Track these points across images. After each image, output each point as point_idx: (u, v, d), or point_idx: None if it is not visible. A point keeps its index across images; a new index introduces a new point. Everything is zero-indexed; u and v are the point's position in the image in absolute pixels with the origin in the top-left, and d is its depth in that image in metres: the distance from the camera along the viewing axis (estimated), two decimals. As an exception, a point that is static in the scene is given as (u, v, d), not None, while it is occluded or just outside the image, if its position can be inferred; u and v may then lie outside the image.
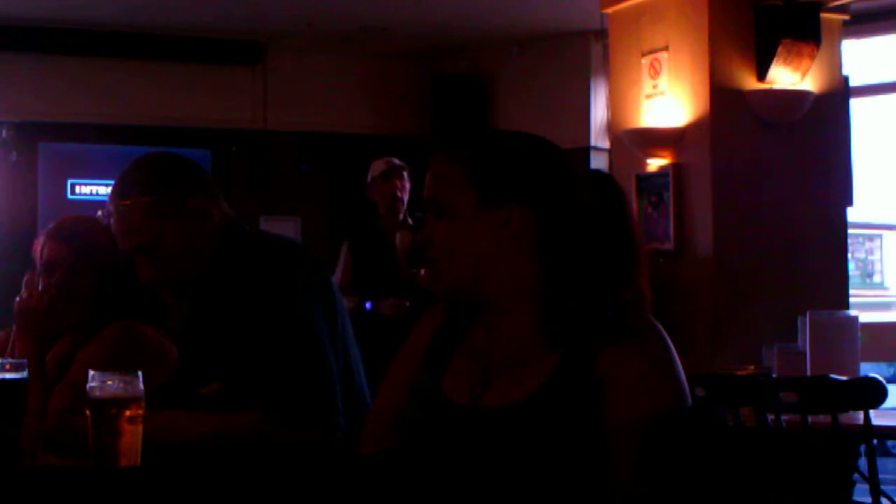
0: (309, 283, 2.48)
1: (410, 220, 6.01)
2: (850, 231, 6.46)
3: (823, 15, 6.02)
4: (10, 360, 2.18)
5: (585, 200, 1.92)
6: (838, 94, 6.23)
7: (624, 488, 1.77)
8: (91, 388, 1.99)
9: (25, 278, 3.80)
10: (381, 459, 1.96)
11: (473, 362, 1.92)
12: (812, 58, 5.94)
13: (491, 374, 1.89)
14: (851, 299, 6.36)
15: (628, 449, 1.77)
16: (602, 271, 1.89)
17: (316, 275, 2.53)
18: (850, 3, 6.17)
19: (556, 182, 1.92)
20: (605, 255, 1.91)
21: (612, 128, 6.73)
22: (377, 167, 6.05)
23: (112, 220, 2.55)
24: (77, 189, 8.17)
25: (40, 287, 2.75)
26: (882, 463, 4.47)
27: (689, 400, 1.83)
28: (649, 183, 6.09)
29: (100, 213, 2.61)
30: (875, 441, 3.96)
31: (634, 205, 5.97)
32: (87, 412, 1.99)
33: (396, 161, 6.05)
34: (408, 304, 5.77)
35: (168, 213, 2.50)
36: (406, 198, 5.99)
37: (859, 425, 3.90)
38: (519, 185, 1.90)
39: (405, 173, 6.00)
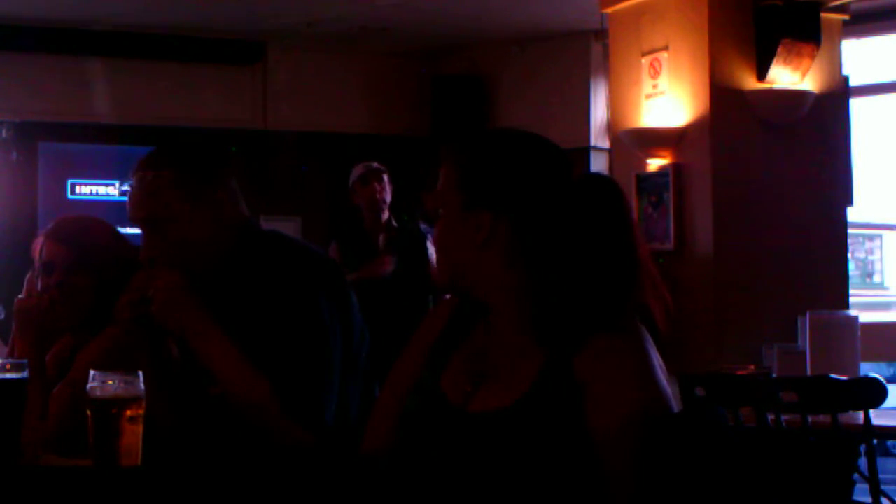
0: (327, 290, 2.46)
1: (395, 223, 6.06)
2: (850, 231, 6.45)
3: (823, 15, 6.02)
4: (10, 360, 2.19)
5: (575, 205, 1.90)
6: (838, 94, 6.22)
7: (608, 491, 1.78)
8: (91, 388, 1.99)
9: (26, 278, 3.81)
10: (375, 459, 1.97)
11: (470, 361, 1.94)
12: (812, 58, 5.94)
13: (483, 375, 1.90)
14: (851, 299, 6.36)
15: (610, 452, 1.78)
16: (593, 277, 1.87)
17: (335, 282, 2.51)
18: (850, 3, 6.17)
19: (535, 190, 1.91)
20: (598, 260, 1.88)
21: (612, 128, 6.73)
22: (356, 172, 6.16)
23: (130, 189, 2.54)
24: (77, 189, 8.16)
25: (40, 287, 2.75)
26: (882, 463, 4.47)
27: (668, 402, 1.83)
28: (649, 183, 6.09)
29: (125, 186, 2.60)
30: (875, 441, 3.96)
31: (634, 204, 5.96)
32: (88, 412, 1.99)
33: (374, 164, 6.14)
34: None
35: (188, 195, 2.48)
36: (388, 199, 6.07)
37: (859, 425, 3.90)
38: (494, 194, 1.91)
39: (384, 176, 6.09)
